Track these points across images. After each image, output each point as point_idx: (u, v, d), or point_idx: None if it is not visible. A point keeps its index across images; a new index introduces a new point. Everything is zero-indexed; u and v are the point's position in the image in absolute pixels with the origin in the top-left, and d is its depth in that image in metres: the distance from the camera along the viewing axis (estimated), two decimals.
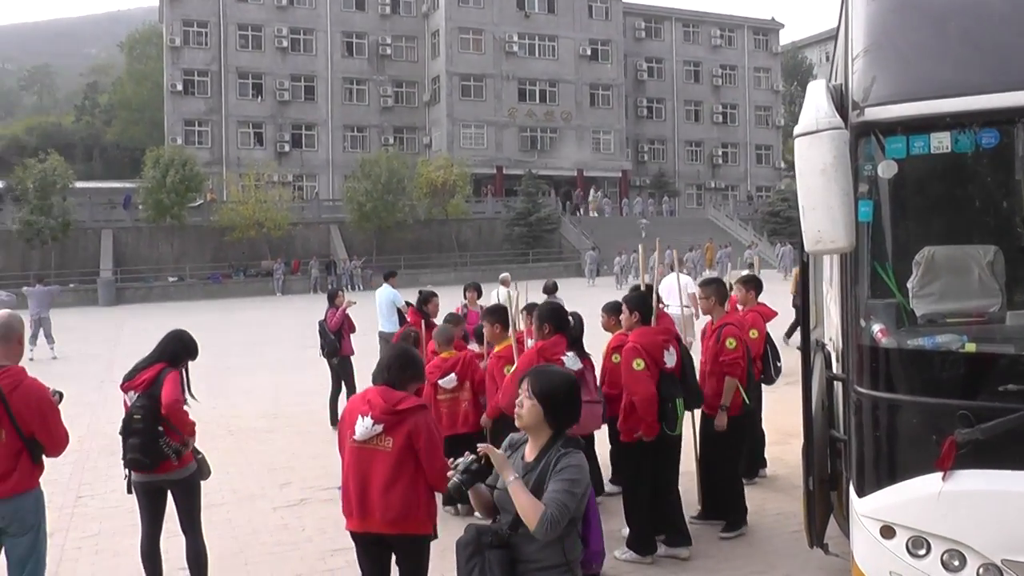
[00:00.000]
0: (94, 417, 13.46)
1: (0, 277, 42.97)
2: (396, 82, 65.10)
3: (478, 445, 3.81)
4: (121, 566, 7.31)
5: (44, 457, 5.12)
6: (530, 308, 8.23)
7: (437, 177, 52.05)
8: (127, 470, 5.97)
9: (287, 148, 62.03)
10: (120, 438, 5.98)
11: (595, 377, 7.37)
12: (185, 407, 5.95)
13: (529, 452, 3.77)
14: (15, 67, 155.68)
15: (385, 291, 14.93)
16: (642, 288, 7.83)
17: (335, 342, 12.52)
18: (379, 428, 4.66)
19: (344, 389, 12.45)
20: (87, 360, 21.82)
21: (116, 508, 8.80)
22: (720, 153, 73.54)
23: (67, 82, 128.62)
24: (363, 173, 51.03)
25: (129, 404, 5.92)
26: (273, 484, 9.67)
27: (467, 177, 53.79)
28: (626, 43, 68.75)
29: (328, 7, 63.09)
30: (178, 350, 6.10)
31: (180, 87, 60.61)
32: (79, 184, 53.47)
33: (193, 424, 6.01)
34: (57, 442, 5.08)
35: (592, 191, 63.16)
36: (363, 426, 4.68)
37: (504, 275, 17.52)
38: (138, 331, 27.96)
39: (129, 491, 6.10)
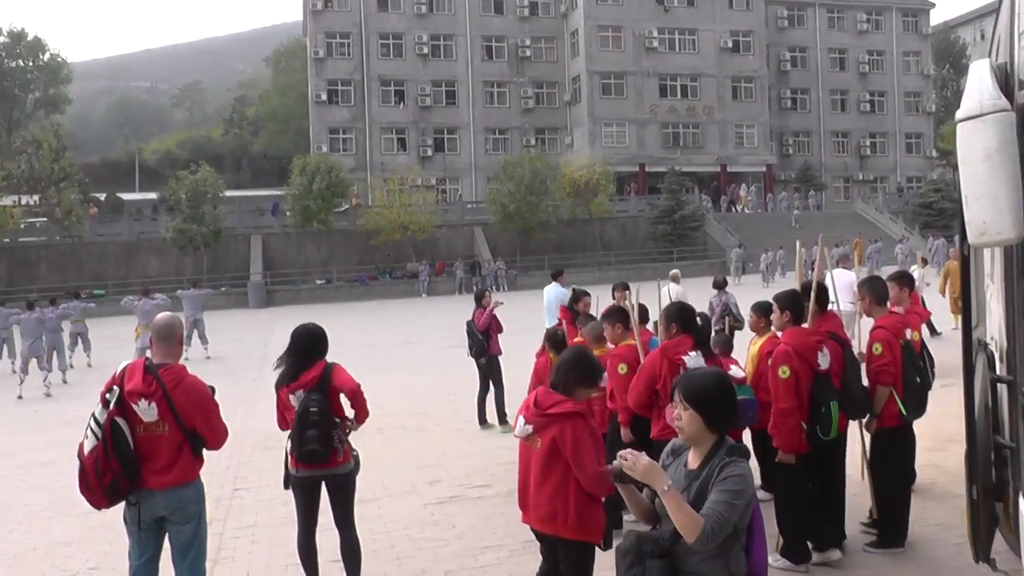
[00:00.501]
0: (248, 414, 13.81)
1: (156, 282, 44.92)
2: (536, 83, 65.31)
3: (621, 453, 3.55)
4: (276, 556, 7.44)
5: (204, 451, 5.32)
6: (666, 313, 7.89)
7: (580, 177, 51.92)
8: (291, 465, 6.01)
9: (430, 152, 63.00)
10: (277, 434, 6.05)
11: None
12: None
13: (692, 459, 3.61)
14: (168, 86, 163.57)
15: (553, 289, 15.00)
16: (799, 285, 7.42)
17: (483, 342, 12.47)
18: (530, 428, 4.74)
19: (492, 388, 12.38)
20: (239, 359, 22.53)
21: (270, 501, 8.97)
22: (868, 143, 70.82)
23: (216, 97, 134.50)
24: (506, 175, 51.34)
25: (294, 403, 5.94)
26: (422, 481, 9.65)
27: (610, 176, 53.46)
28: (768, 33, 67.01)
29: (467, 12, 63.83)
30: (323, 345, 6.17)
31: (324, 97, 62.35)
32: (229, 193, 55.88)
33: (368, 412, 6.16)
34: (217, 436, 5.30)
35: (745, 186, 61.84)
36: (520, 424, 4.83)
37: (674, 271, 17.53)
38: (287, 332, 28.63)
39: (286, 486, 6.15)
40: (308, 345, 6.10)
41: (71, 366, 21.51)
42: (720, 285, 15.44)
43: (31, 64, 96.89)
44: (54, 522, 8.95)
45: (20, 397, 18.07)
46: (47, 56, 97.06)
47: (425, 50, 63.09)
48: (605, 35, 62.62)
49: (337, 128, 62.71)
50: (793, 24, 70.02)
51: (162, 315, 5.44)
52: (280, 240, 52.01)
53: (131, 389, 5.02)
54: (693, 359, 6.59)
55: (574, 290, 11.98)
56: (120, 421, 4.98)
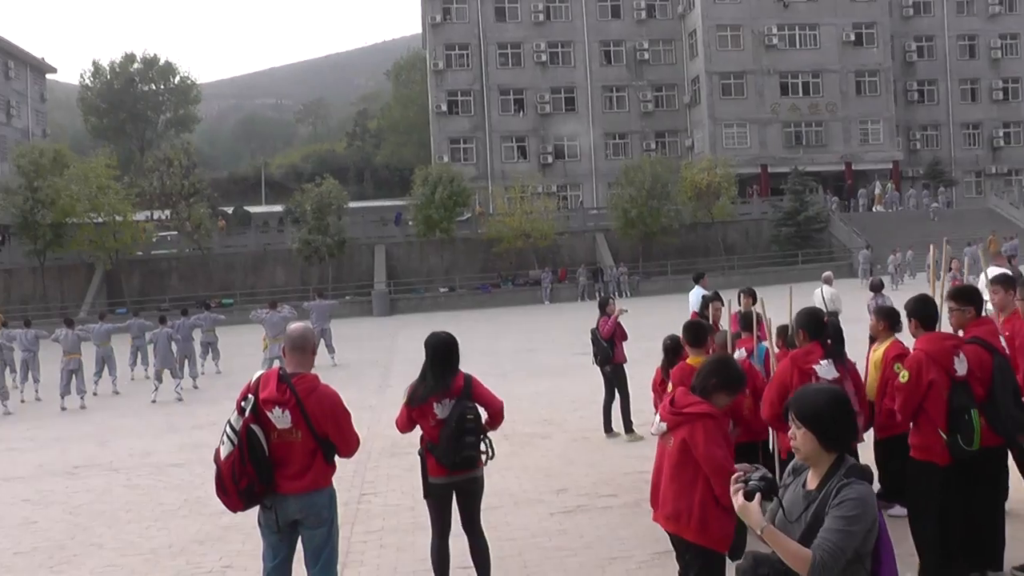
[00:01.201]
0: (374, 420, 14.01)
1: (282, 292, 46.37)
2: (655, 86, 64.75)
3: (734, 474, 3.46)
4: (404, 561, 7.50)
5: (336, 457, 5.44)
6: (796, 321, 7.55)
7: (701, 180, 51.16)
8: (434, 473, 6.13)
9: (550, 159, 63.14)
10: (403, 441, 6.08)
11: (857, 385, 6.77)
12: None
13: (811, 479, 3.47)
14: (292, 102, 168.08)
15: (697, 292, 14.95)
16: (932, 289, 7.01)
17: (608, 350, 12.35)
18: (664, 426, 4.83)
19: (618, 396, 12.25)
20: (365, 367, 22.94)
21: (397, 507, 9.05)
22: (1001, 134, 67.34)
23: (339, 111, 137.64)
24: (627, 180, 51.02)
25: (438, 412, 6.07)
26: (549, 489, 9.58)
27: (732, 178, 52.47)
28: (892, 23, 64.45)
29: (584, 19, 63.73)
30: (458, 353, 6.32)
31: (445, 107, 63.16)
32: (352, 204, 57.27)
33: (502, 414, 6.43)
34: (349, 444, 5.41)
35: (879, 183, 59.82)
36: (656, 421, 4.93)
37: (827, 273, 17.34)
38: (412, 339, 29.08)
39: (427, 495, 6.22)
40: (449, 353, 6.23)
41: (202, 373, 22.27)
42: (877, 288, 15.10)
43: (163, 87, 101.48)
44: (188, 520, 9.23)
45: (154, 402, 18.80)
46: (177, 79, 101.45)
47: (543, 58, 63.23)
48: (723, 34, 61.61)
49: (458, 138, 63.44)
50: (919, 12, 67.22)
51: (296, 326, 5.57)
52: (403, 249, 52.89)
53: (266, 397, 5.16)
54: (824, 368, 6.40)
55: (704, 296, 11.79)
56: (255, 428, 5.14)
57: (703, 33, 61.33)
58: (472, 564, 6.31)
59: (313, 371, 5.44)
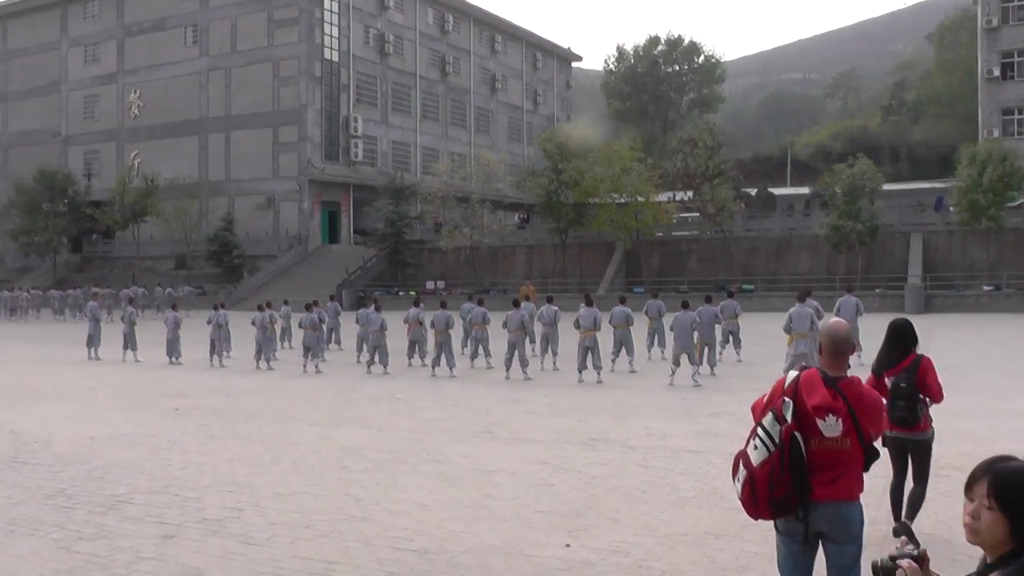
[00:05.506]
0: None
1: (806, 280, 45.90)
2: None
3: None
4: None
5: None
6: None
7: None
8: (887, 428, 7.69)
9: None
10: None
11: None
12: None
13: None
14: (820, 76, 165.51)
15: None
16: None
17: None
18: None
19: None
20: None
21: (930, 536, 8.52)
22: None
23: (871, 84, 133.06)
24: None
25: (888, 384, 8.05)
26: None
27: None
28: None
29: None
30: (913, 338, 8.27)
31: (997, 72, 58.22)
32: (886, 187, 54.81)
33: (943, 395, 8.14)
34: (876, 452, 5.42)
35: None
36: None
37: None
38: (947, 341, 27.37)
39: (883, 445, 7.27)
40: (903, 336, 8.23)
41: (720, 360, 22.61)
42: None
43: (686, 68, 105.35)
44: (704, 511, 9.28)
45: (671, 385, 19.47)
46: (701, 59, 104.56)
47: None
48: None
49: (1011, 108, 58.22)
50: None
51: (840, 325, 5.46)
52: (943, 239, 49.59)
53: (817, 404, 5.06)
54: None
55: None
56: (797, 435, 5.06)
57: None
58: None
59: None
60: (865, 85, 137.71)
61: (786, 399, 5.08)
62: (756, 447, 5.07)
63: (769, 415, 5.09)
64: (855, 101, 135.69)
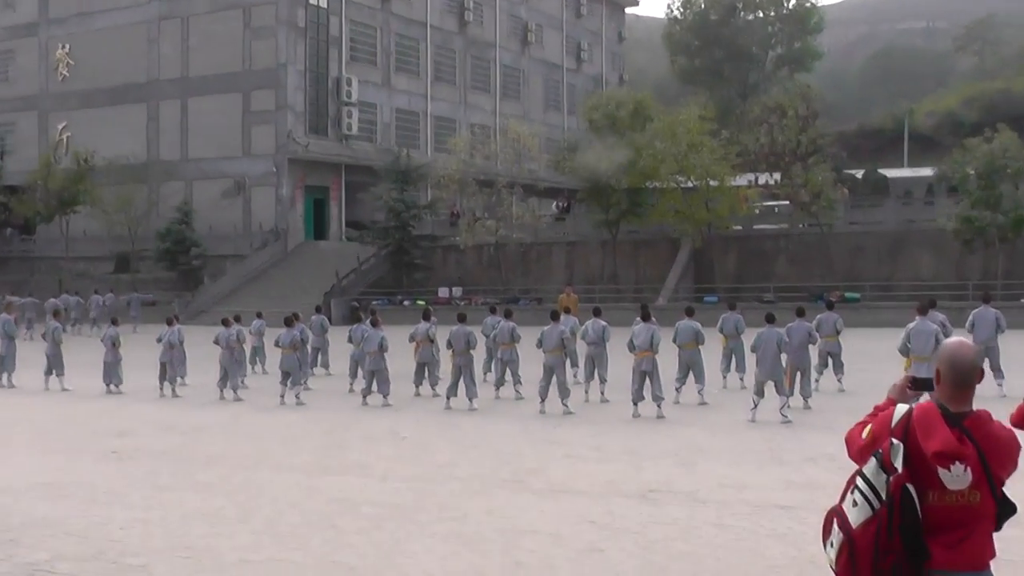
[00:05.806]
0: None
1: (928, 287, 45.26)
2: None
3: None
4: None
5: None
6: None
7: None
8: None
9: None
10: None
11: None
12: None
13: None
14: (948, 25, 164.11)
15: None
16: None
17: None
18: None
19: None
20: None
21: None
22: None
23: (1016, 35, 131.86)
24: None
25: None
26: None
27: None
28: None
29: None
30: None
31: None
32: None
33: None
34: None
35: None
36: None
37: None
38: None
39: None
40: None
41: (816, 389, 22.56)
42: None
43: (772, 15, 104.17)
44: None
45: (752, 420, 19.39)
46: (792, 3, 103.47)
47: None
48: None
49: None
50: None
51: (966, 348, 5.20)
52: None
53: (939, 450, 4.90)
54: None
55: None
56: (909, 487, 4.93)
57: None
58: None
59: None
60: (1007, 36, 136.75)
61: (894, 441, 4.97)
62: (856, 503, 4.97)
63: (872, 462, 4.99)
64: (994, 57, 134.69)
